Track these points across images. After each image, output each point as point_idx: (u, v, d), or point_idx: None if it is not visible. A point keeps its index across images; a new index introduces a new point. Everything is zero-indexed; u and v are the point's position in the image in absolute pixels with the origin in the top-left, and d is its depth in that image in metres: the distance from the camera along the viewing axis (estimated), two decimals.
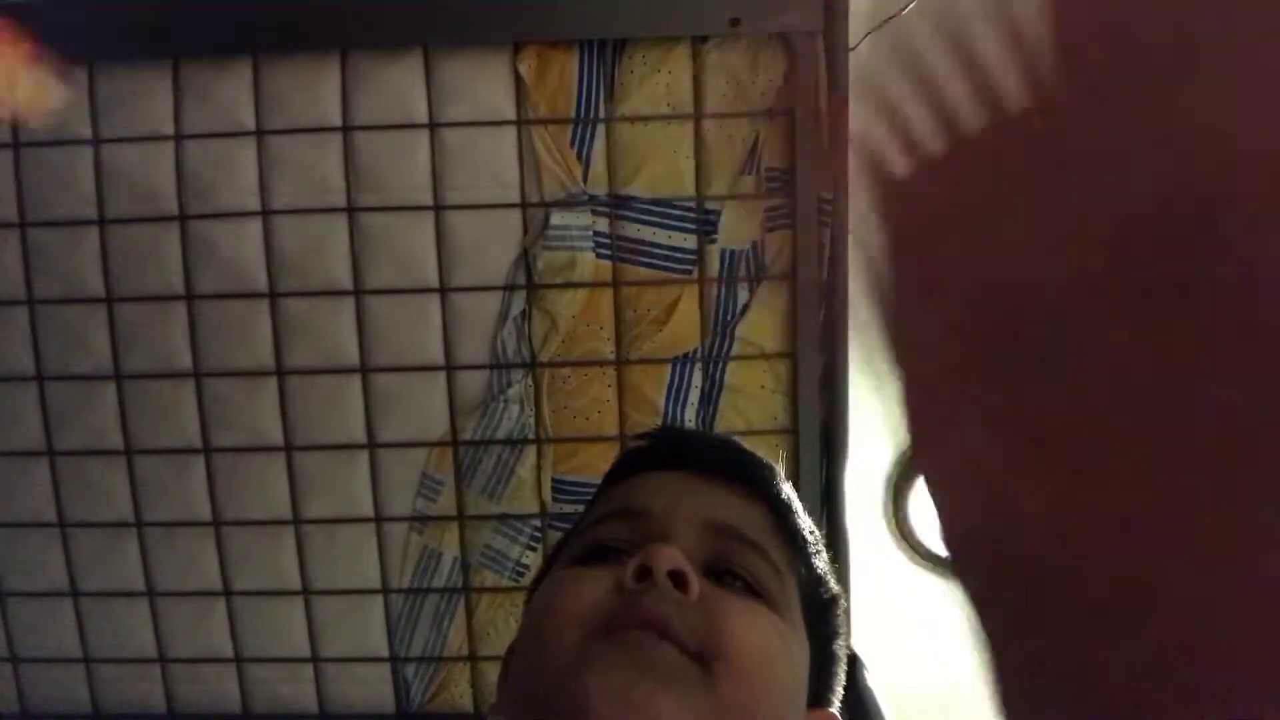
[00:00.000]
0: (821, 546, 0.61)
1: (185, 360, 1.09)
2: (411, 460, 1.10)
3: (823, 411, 1.08)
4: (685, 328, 1.07)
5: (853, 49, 1.02)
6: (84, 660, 1.15)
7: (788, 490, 0.60)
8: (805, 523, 0.60)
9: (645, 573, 0.48)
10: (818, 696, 0.55)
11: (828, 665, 0.57)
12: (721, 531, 0.54)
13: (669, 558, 0.49)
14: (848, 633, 0.60)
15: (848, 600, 1.09)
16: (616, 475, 0.62)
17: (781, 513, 0.58)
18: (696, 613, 0.48)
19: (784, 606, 0.54)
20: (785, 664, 0.51)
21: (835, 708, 0.58)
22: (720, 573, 0.52)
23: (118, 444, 1.10)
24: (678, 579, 0.48)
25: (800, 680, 0.53)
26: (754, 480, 0.59)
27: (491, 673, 1.12)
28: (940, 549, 1.50)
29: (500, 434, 1.09)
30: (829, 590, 0.60)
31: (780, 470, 0.62)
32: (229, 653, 1.14)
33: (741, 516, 0.56)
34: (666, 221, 1.05)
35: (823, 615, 0.58)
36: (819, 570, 0.59)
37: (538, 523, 1.11)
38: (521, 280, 1.06)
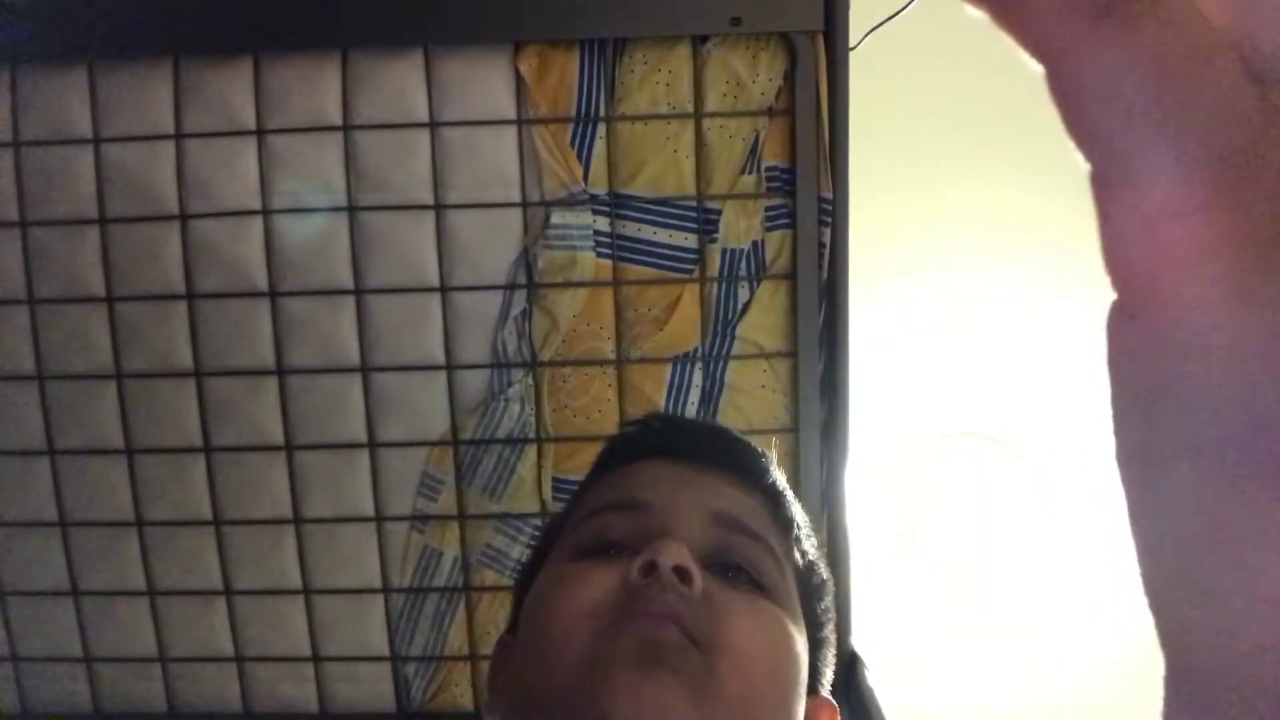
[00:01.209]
0: (812, 532, 0.61)
1: (186, 359, 1.09)
2: (412, 459, 1.10)
3: (823, 411, 1.08)
4: (685, 327, 1.07)
5: (854, 48, 1.02)
6: (85, 659, 1.15)
7: (780, 478, 0.61)
8: (797, 509, 0.61)
9: (651, 568, 0.48)
10: (811, 682, 0.56)
11: (820, 650, 0.58)
12: (723, 522, 0.54)
13: (674, 553, 0.49)
14: (837, 618, 0.61)
15: (848, 600, 1.10)
16: (609, 463, 0.62)
17: (777, 501, 0.59)
18: (701, 608, 0.48)
19: (786, 598, 0.54)
20: (788, 658, 0.52)
21: (827, 691, 0.59)
22: (723, 566, 0.52)
23: (118, 443, 1.10)
24: (682, 574, 0.49)
25: (802, 672, 0.53)
26: (749, 469, 0.59)
27: None
28: None
29: (501, 433, 1.09)
30: (820, 576, 0.60)
31: (772, 456, 0.62)
32: (230, 652, 1.14)
33: (741, 506, 0.56)
34: (667, 221, 1.05)
35: (816, 600, 0.58)
36: (811, 556, 0.60)
37: (538, 522, 1.11)
38: (522, 279, 1.06)
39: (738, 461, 0.59)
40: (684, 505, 0.54)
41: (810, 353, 1.06)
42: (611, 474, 0.60)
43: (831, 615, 0.61)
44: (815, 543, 0.61)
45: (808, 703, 0.54)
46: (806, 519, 0.62)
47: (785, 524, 0.58)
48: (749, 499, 0.57)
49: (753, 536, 0.54)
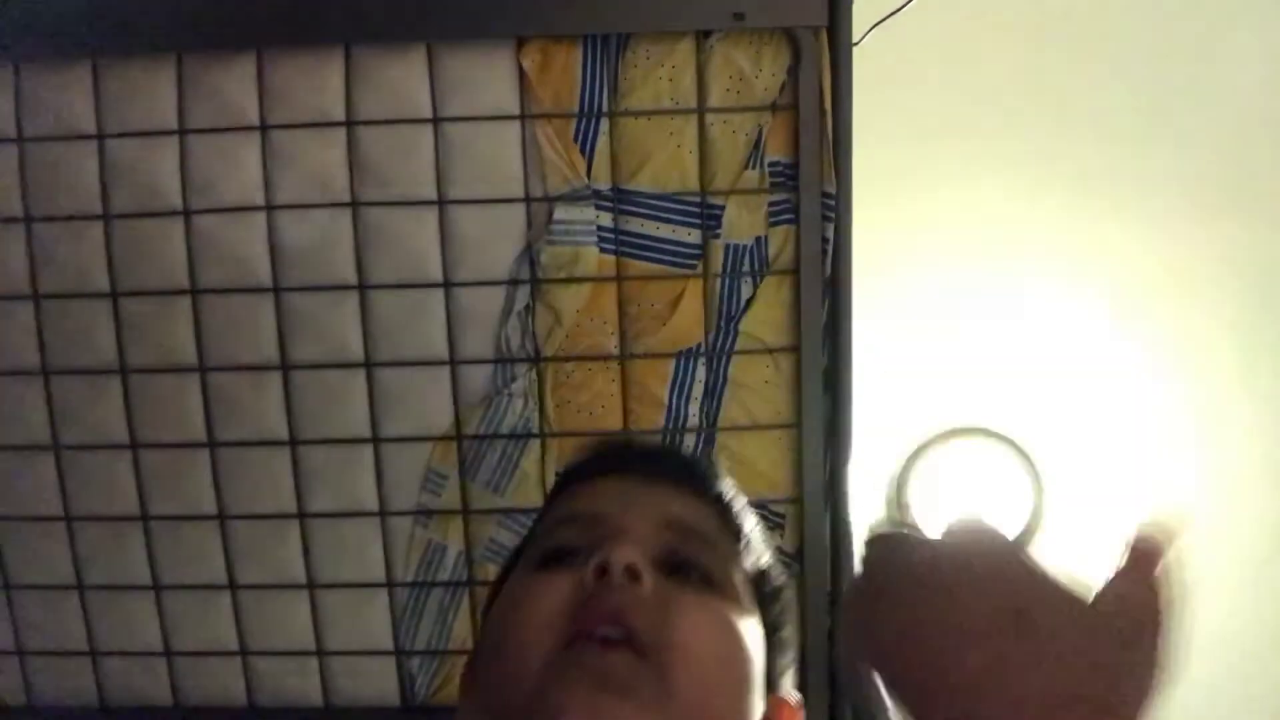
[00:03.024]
0: (764, 541, 0.65)
1: (190, 354, 1.09)
2: (416, 454, 1.10)
3: (826, 406, 1.08)
4: (689, 322, 1.07)
5: (857, 43, 1.02)
6: (90, 653, 1.16)
7: (730, 489, 0.64)
8: (749, 519, 0.64)
9: (603, 570, 0.51)
10: (771, 681, 0.59)
11: (779, 651, 0.61)
12: (674, 527, 0.57)
13: (625, 553, 0.52)
14: (794, 621, 0.65)
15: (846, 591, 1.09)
16: (565, 486, 0.66)
17: (726, 511, 0.62)
18: (653, 606, 0.51)
19: (736, 595, 0.57)
20: (741, 653, 0.54)
21: (789, 693, 0.61)
22: (674, 566, 0.55)
23: (123, 438, 1.11)
24: (633, 573, 0.51)
25: (756, 665, 0.55)
26: (699, 481, 0.63)
27: None
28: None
29: (504, 428, 1.09)
30: (773, 581, 0.63)
31: (722, 470, 0.66)
32: (234, 646, 1.15)
33: (691, 514, 0.59)
34: (670, 216, 1.05)
35: (770, 604, 0.61)
36: (763, 563, 0.63)
37: None
38: (525, 275, 1.06)
39: (688, 474, 0.63)
40: (636, 513, 0.57)
41: (814, 348, 1.06)
42: (568, 494, 0.63)
43: (789, 617, 0.63)
44: (768, 549, 0.64)
45: (768, 700, 0.57)
46: (759, 528, 0.65)
47: (735, 531, 0.62)
48: (699, 508, 0.61)
49: (703, 539, 0.58)
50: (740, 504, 0.64)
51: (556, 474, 0.69)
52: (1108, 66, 1.33)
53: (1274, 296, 1.39)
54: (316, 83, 1.04)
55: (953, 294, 1.41)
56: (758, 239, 1.06)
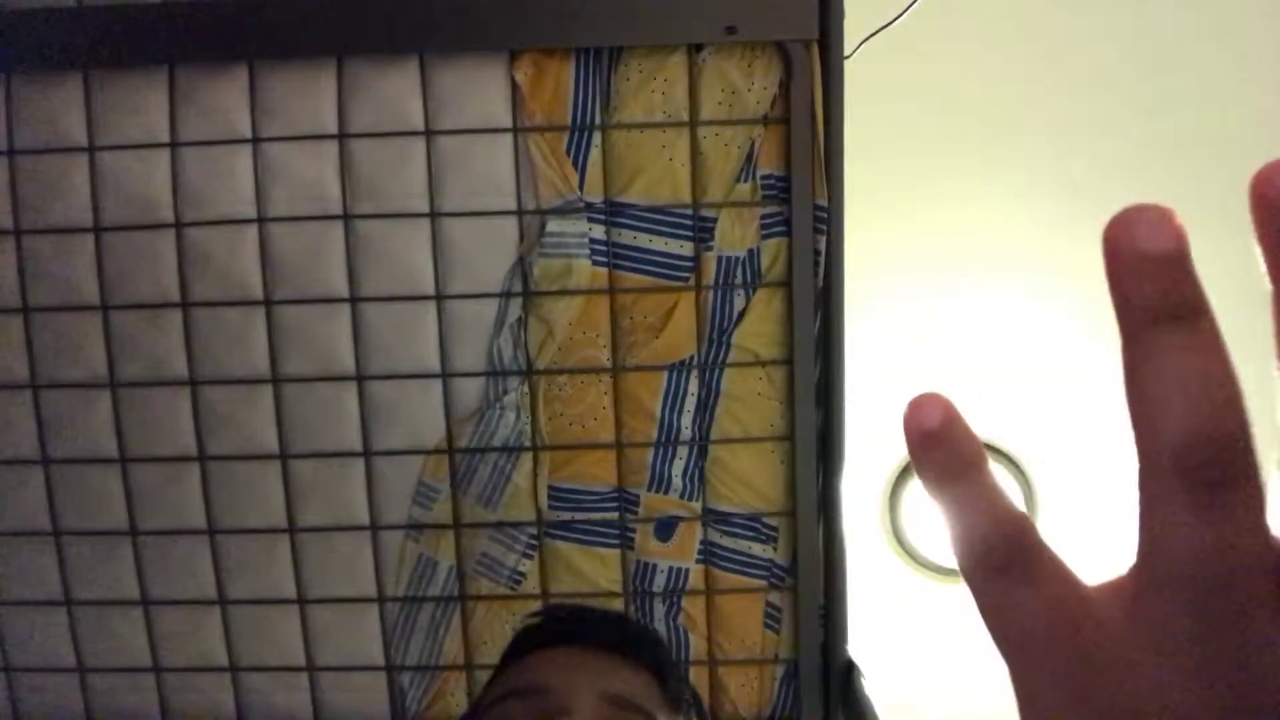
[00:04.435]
0: (697, 702, 0.73)
1: (180, 368, 1.08)
2: (407, 468, 1.10)
3: (819, 418, 1.08)
4: (681, 335, 1.07)
5: (848, 57, 1.02)
6: (78, 670, 1.15)
7: (668, 656, 0.71)
8: (686, 686, 0.72)
9: None
10: None
11: None
12: (614, 701, 0.63)
13: None
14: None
15: (844, 608, 1.10)
16: (514, 653, 0.71)
17: (665, 678, 0.68)
18: None
19: None
20: None
21: None
22: None
23: (112, 452, 1.10)
24: None
25: None
26: (639, 650, 0.69)
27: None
28: (935, 556, 1.51)
29: (496, 441, 1.09)
30: None
31: (661, 637, 0.74)
32: (224, 661, 1.14)
33: (631, 685, 0.65)
34: (662, 228, 1.05)
35: None
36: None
37: (534, 530, 1.11)
38: (518, 287, 1.06)
39: (629, 644, 0.69)
40: (579, 687, 0.62)
41: (806, 360, 1.06)
42: (517, 662, 0.69)
43: None
44: (703, 712, 0.72)
45: None
46: (693, 690, 0.73)
47: (674, 698, 0.68)
48: (638, 677, 0.66)
49: (640, 712, 0.63)
50: (677, 671, 0.70)
51: (513, 634, 0.75)
52: (1096, 78, 1.34)
53: (1261, 303, 1.40)
54: (309, 95, 1.04)
55: (946, 304, 1.42)
56: (750, 251, 1.06)
